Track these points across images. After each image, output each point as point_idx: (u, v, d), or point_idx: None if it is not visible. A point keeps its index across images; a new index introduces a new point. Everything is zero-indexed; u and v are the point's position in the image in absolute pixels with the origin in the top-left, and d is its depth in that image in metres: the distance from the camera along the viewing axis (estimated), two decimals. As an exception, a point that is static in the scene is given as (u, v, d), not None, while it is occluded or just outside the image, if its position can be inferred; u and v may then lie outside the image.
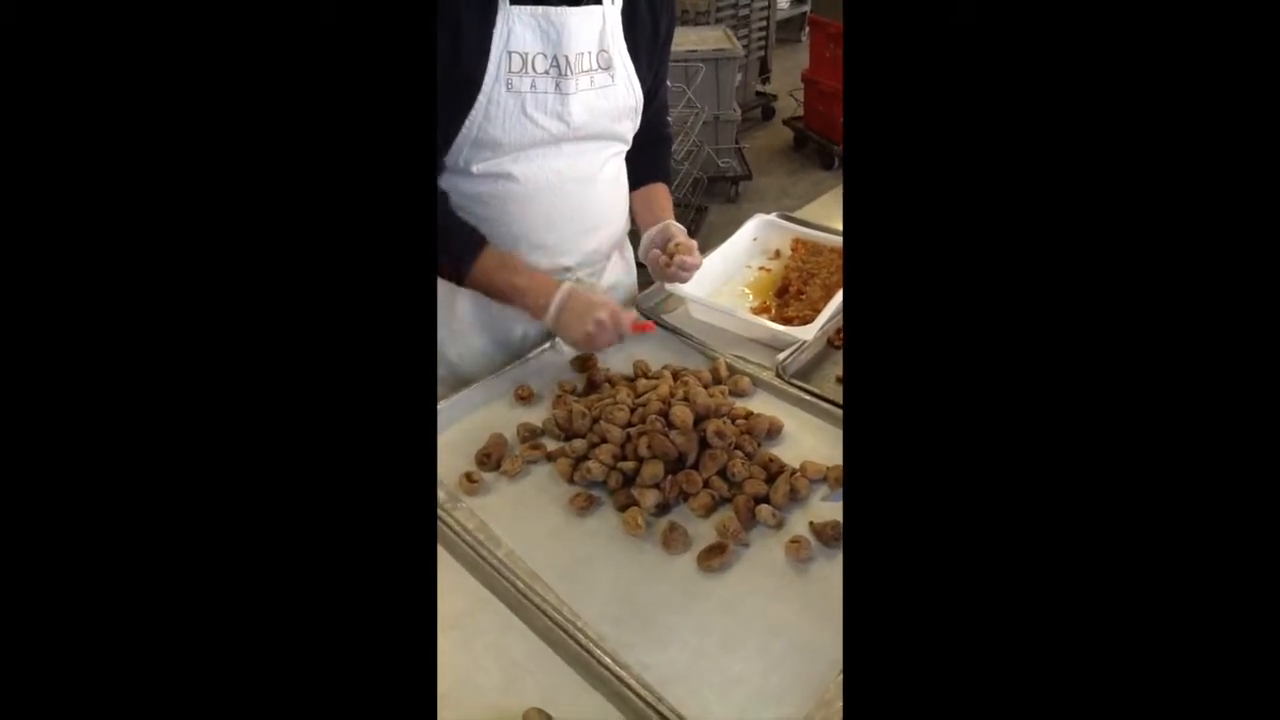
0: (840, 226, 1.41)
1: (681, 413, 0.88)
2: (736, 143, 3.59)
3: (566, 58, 0.95)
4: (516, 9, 0.91)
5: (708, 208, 3.37)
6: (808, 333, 1.05)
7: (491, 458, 0.91)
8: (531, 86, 0.94)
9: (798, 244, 1.32)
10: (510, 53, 0.92)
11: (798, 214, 1.60)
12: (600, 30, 0.98)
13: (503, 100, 0.93)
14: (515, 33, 0.92)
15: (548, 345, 1.11)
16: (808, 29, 4.34)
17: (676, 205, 3.16)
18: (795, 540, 0.78)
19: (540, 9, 0.92)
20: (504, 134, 0.95)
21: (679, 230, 1.15)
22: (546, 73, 0.95)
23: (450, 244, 0.97)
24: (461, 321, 1.10)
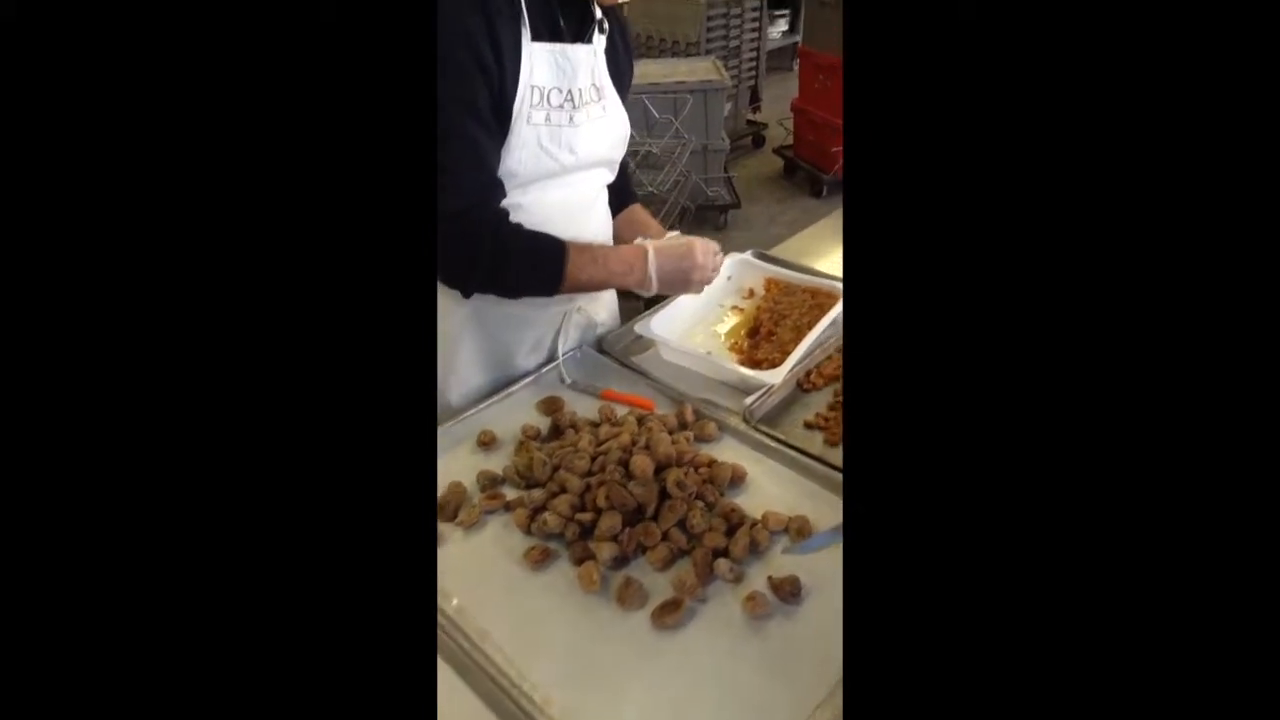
0: (822, 262, 1.44)
1: (641, 462, 0.87)
2: (726, 171, 3.61)
3: (579, 91, 1.00)
4: (537, 45, 0.95)
5: (696, 236, 3.38)
6: (775, 377, 1.05)
7: (448, 508, 0.89)
8: (546, 119, 0.98)
9: (771, 284, 1.31)
10: (532, 87, 0.95)
11: (789, 242, 1.61)
12: (592, 65, 1.03)
13: (522, 133, 0.97)
14: (536, 69, 0.95)
15: (531, 378, 1.12)
16: (798, 59, 4.39)
17: (664, 235, 3.16)
18: (751, 597, 0.76)
19: (557, 45, 0.97)
20: (520, 166, 0.98)
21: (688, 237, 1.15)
22: (561, 106, 0.99)
23: (539, 261, 0.99)
24: (465, 364, 1.13)
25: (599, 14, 1.04)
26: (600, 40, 1.05)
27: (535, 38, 0.95)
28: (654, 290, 1.05)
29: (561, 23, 0.98)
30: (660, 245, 1.05)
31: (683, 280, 1.06)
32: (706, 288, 1.27)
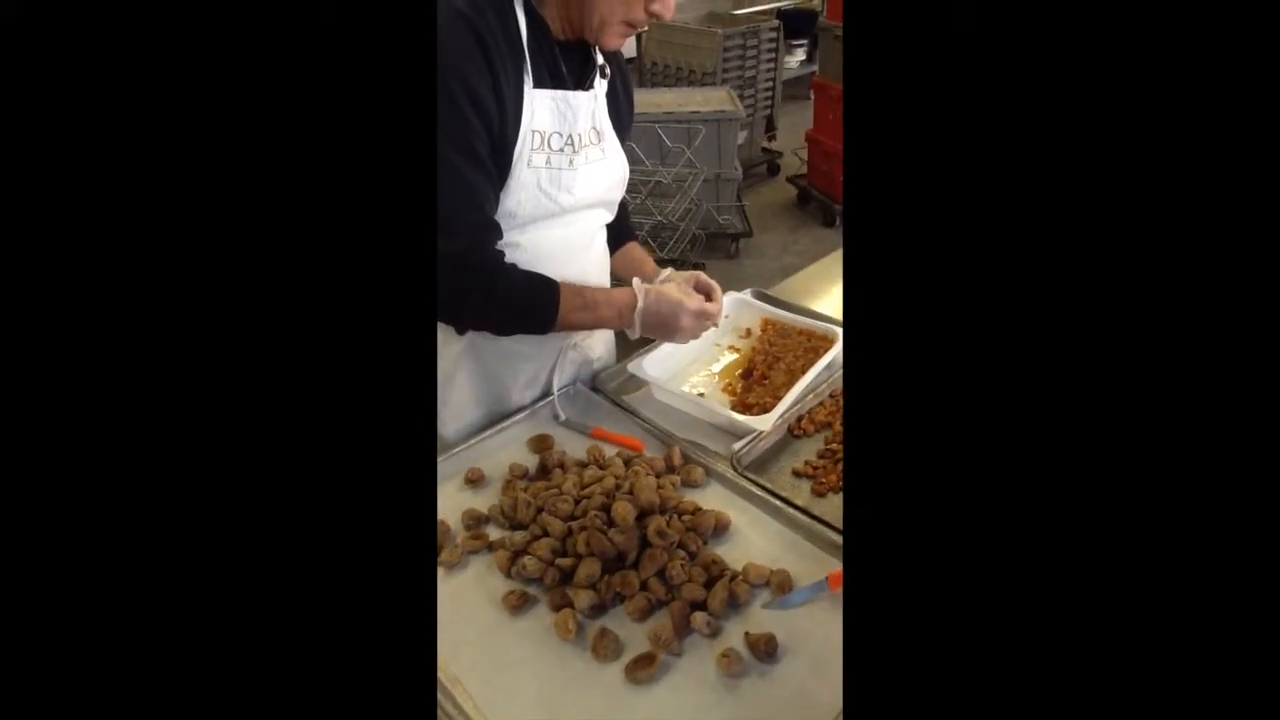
0: (825, 299, 1.45)
1: (623, 509, 0.87)
2: (738, 200, 3.63)
3: (579, 135, 1.02)
4: (539, 92, 0.97)
5: (704, 264, 3.39)
6: (765, 423, 1.04)
7: (430, 547, 0.89)
8: (547, 163, 1.00)
9: (767, 324, 1.31)
10: (533, 132, 0.98)
11: (796, 276, 1.62)
12: (593, 109, 1.05)
13: (522, 176, 0.98)
14: (537, 114, 0.97)
15: (524, 414, 1.13)
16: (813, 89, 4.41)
17: (673, 263, 3.19)
18: (726, 654, 0.76)
19: (559, 92, 0.99)
20: (519, 207, 1.00)
21: (683, 278, 1.13)
22: (561, 150, 1.01)
23: (530, 303, 1.00)
24: (459, 398, 1.13)
25: (600, 60, 1.06)
26: (601, 85, 1.07)
27: (537, 84, 0.97)
28: (637, 333, 1.06)
29: (564, 70, 1.00)
30: (652, 296, 1.03)
31: (665, 335, 1.08)
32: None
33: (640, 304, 1.03)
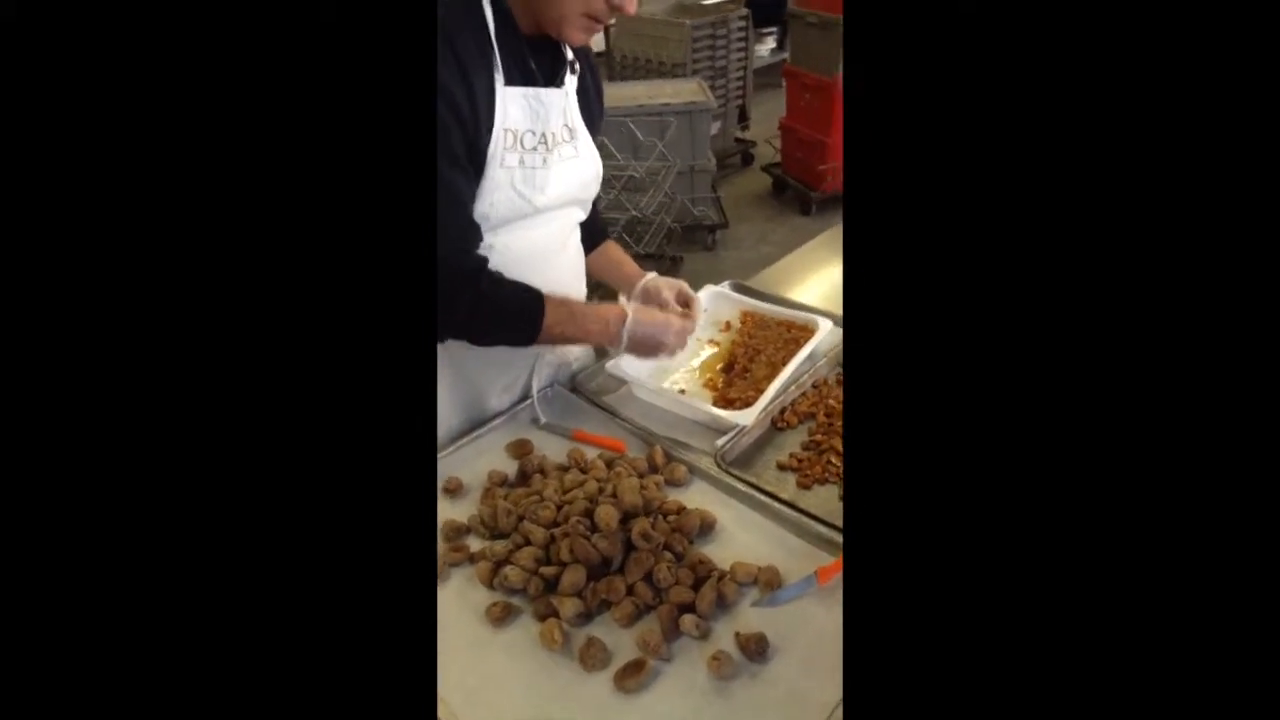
0: (805, 288, 1.44)
1: (606, 514, 0.85)
2: (714, 191, 3.61)
3: (552, 133, 1.00)
4: (510, 90, 0.95)
5: (682, 258, 3.38)
6: (747, 418, 1.03)
7: (410, 562, 0.87)
8: (520, 162, 0.97)
9: (746, 316, 1.30)
10: (506, 131, 0.95)
11: (775, 265, 1.61)
12: (564, 106, 1.03)
13: (495, 176, 0.96)
14: (510, 112, 0.95)
15: (502, 419, 1.11)
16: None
17: (650, 257, 3.16)
18: (716, 656, 0.74)
19: (530, 89, 0.97)
20: (492, 209, 0.98)
21: (667, 284, 1.14)
22: (534, 149, 0.98)
23: (514, 316, 0.97)
24: (438, 405, 1.09)
25: (570, 56, 1.03)
26: (572, 81, 1.04)
27: (508, 82, 0.94)
28: (622, 351, 1.04)
29: (534, 67, 0.97)
30: (641, 313, 1.04)
31: (650, 351, 1.06)
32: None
33: (630, 319, 1.01)
